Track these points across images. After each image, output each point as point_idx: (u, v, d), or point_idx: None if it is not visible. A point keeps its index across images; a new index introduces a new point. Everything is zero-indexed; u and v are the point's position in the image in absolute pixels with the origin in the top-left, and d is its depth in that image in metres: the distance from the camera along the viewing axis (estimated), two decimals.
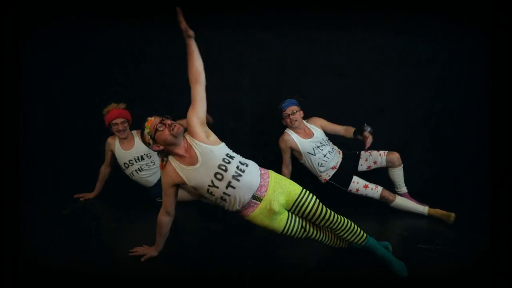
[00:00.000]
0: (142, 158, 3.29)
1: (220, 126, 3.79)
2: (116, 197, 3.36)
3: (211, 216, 2.91)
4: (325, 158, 3.20)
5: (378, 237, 2.43)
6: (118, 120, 3.20)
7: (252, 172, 2.05)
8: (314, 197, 2.09)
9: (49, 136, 3.92)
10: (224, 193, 2.00)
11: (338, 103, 3.70)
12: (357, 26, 3.63)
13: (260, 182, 2.05)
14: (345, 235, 2.08)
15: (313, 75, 3.71)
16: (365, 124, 3.06)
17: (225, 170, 1.99)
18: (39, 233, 2.49)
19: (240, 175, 1.98)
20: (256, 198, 2.03)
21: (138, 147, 3.31)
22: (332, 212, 2.07)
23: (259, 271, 1.92)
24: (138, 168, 3.29)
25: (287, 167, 3.28)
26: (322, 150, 3.20)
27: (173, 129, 2.01)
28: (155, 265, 2.03)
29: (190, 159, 2.04)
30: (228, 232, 2.53)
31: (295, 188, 2.09)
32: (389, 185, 3.16)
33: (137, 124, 3.67)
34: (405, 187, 3.14)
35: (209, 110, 3.41)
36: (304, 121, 3.32)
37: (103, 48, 3.81)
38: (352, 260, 2.08)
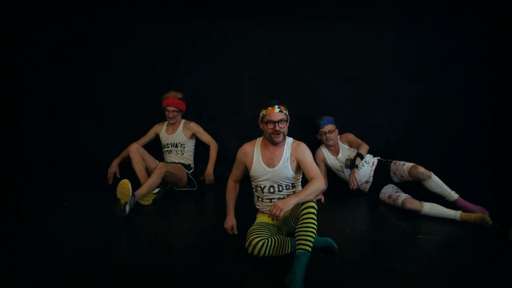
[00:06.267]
0: (176, 146, 3.58)
1: (220, 119, 3.83)
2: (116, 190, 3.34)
3: (211, 216, 2.91)
4: None
5: (377, 228, 2.55)
6: (170, 108, 3.51)
7: None
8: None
9: (49, 135, 3.91)
10: (262, 198, 2.27)
11: (338, 99, 3.71)
12: (357, 25, 3.64)
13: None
14: (302, 238, 1.87)
15: (313, 71, 3.72)
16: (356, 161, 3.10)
17: (280, 190, 2.23)
18: (39, 228, 2.47)
19: (284, 197, 2.19)
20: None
21: (178, 135, 3.58)
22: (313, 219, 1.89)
23: (259, 271, 1.92)
24: (168, 151, 3.59)
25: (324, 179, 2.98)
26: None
27: (276, 135, 2.15)
28: (154, 264, 2.03)
29: (271, 160, 2.21)
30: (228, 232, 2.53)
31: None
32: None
33: (138, 121, 3.74)
34: (453, 193, 2.79)
35: (210, 104, 3.31)
36: (338, 138, 3.37)
37: (103, 47, 3.82)
38: (352, 259, 2.08)
